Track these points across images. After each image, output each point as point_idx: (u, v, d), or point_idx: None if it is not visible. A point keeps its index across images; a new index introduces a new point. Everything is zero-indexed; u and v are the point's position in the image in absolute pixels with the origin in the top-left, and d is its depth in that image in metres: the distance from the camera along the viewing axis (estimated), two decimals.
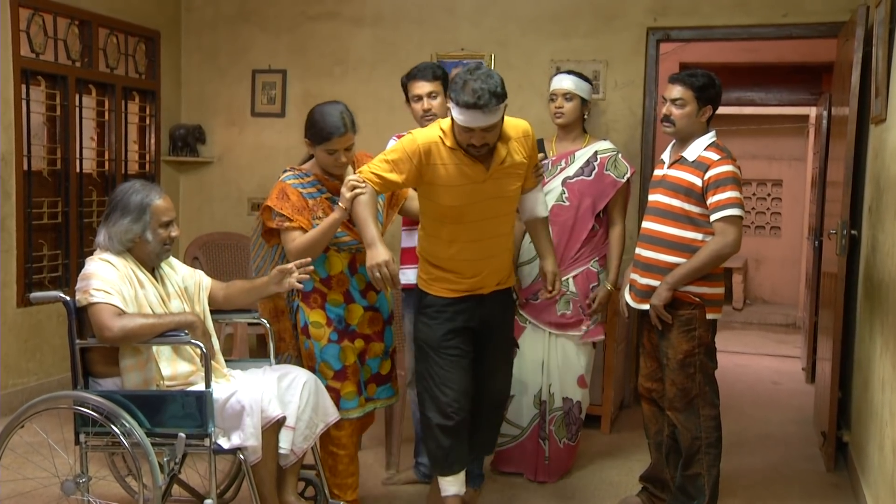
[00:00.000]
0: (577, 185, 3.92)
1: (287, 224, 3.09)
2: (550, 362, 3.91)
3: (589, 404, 4.76)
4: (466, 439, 3.24)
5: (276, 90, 5.96)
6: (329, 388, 3.20)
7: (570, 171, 3.94)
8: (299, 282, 3.09)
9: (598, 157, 3.95)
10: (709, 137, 3.36)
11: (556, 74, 4.06)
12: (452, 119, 2.97)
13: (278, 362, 3.27)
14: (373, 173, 3.01)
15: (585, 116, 4.03)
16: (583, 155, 3.96)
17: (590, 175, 3.92)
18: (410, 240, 3.64)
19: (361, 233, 2.97)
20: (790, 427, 5.10)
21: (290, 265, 3.13)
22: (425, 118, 3.53)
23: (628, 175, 3.96)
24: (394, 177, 3.02)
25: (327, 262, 3.23)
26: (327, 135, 3.06)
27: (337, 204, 3.09)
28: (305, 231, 3.09)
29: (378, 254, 2.86)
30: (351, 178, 2.99)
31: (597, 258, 3.95)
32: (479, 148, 2.97)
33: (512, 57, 5.41)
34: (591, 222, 3.91)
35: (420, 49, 5.63)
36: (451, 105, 2.92)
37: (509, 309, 3.39)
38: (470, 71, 2.92)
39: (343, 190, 3.01)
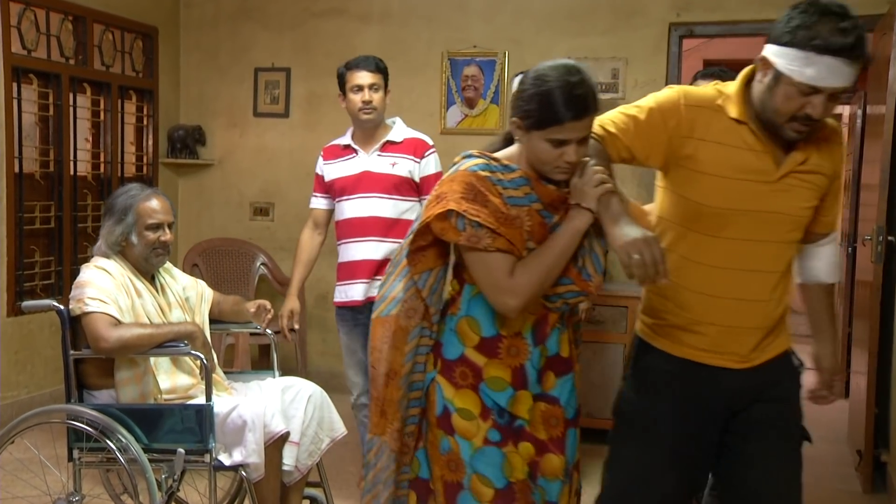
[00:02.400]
0: None
1: (489, 241, 2.02)
2: None
3: (606, 419, 4.76)
4: None
5: (280, 90, 5.97)
6: None
7: None
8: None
9: None
10: None
11: (517, 75, 4.08)
12: (769, 83, 2.05)
13: (366, 449, 2.25)
14: (604, 129, 2.14)
15: None
16: None
17: None
18: (346, 254, 3.61)
19: (603, 213, 2.03)
20: (822, 445, 5.05)
21: (267, 304, 3.18)
22: (364, 111, 3.54)
23: None
24: (636, 144, 2.15)
25: (500, 315, 2.11)
26: (557, 115, 1.99)
27: (546, 215, 2.11)
28: (516, 253, 2.04)
29: (631, 229, 1.95)
30: (594, 166, 2.05)
31: None
32: (807, 125, 2.04)
33: (526, 55, 5.41)
34: None
35: (430, 47, 5.64)
36: (783, 54, 1.99)
37: (790, 385, 2.31)
38: (808, 4, 2.01)
39: (578, 183, 2.05)
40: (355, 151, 3.61)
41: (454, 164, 2.16)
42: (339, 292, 3.62)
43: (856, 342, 5.02)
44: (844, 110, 9.06)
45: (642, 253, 1.89)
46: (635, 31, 5.26)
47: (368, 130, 3.60)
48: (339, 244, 3.64)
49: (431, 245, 2.13)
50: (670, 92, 2.17)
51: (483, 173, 2.06)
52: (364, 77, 3.56)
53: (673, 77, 5.24)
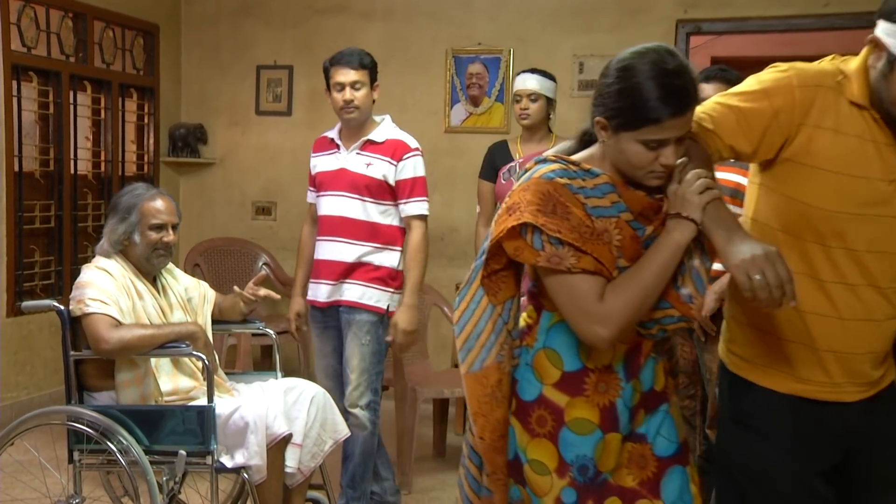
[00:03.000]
0: None
1: (572, 261, 1.72)
2: None
3: None
4: None
5: (282, 87, 5.98)
6: None
7: None
8: None
9: None
10: None
11: (519, 74, 4.09)
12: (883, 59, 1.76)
13: None
14: (699, 124, 1.83)
15: (551, 116, 4.05)
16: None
17: None
18: (318, 251, 3.59)
19: (711, 224, 1.73)
20: None
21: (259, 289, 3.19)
22: (346, 110, 3.47)
23: None
24: (739, 140, 1.84)
25: (585, 345, 1.81)
26: (653, 113, 1.70)
27: (637, 226, 1.81)
28: (605, 274, 1.75)
29: (749, 245, 1.67)
30: (694, 168, 1.77)
31: None
32: None
33: (531, 53, 5.41)
34: None
35: (433, 44, 5.64)
36: None
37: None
38: None
39: (678, 189, 1.75)
40: (338, 147, 3.56)
41: (525, 170, 1.88)
42: (311, 289, 3.60)
43: None
44: None
45: (765, 272, 1.62)
46: (642, 28, 5.25)
47: (353, 128, 3.54)
48: (317, 240, 3.61)
49: (508, 267, 1.83)
50: (777, 72, 1.86)
51: (561, 180, 1.76)
52: (346, 74, 3.45)
53: None
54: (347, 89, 3.45)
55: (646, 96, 1.69)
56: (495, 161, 4.05)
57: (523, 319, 1.92)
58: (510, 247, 1.78)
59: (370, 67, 3.51)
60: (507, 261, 1.83)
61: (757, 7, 5.09)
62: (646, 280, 1.73)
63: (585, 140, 1.91)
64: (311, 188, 3.69)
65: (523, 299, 1.92)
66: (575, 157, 1.86)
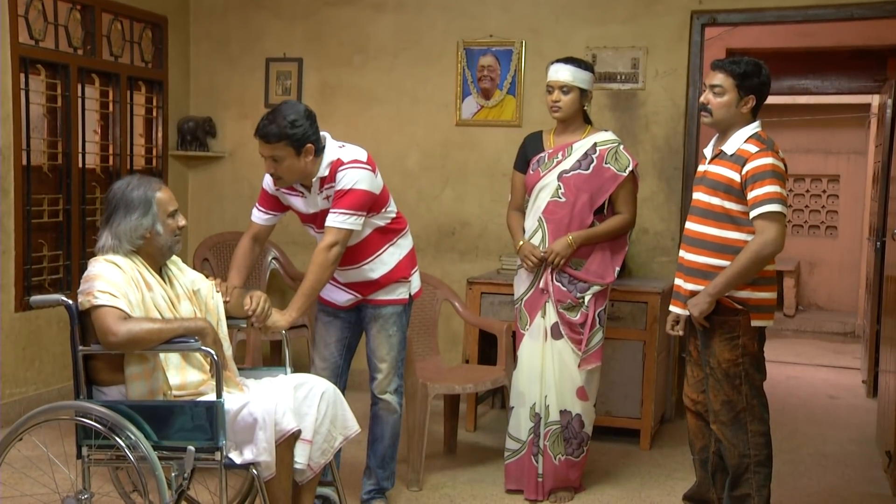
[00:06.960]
0: (573, 179, 3.87)
1: None
2: (546, 372, 3.93)
3: (626, 417, 4.75)
4: None
5: (292, 80, 5.99)
6: None
7: (567, 164, 3.89)
8: None
9: (598, 148, 3.89)
10: (751, 129, 3.34)
11: (552, 63, 3.97)
12: None
13: None
14: None
15: (586, 107, 3.97)
16: (581, 147, 3.90)
17: (587, 168, 3.87)
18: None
19: None
20: (849, 446, 5.04)
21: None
22: (273, 181, 3.48)
23: (631, 167, 3.90)
24: None
25: None
26: None
27: None
28: None
29: None
30: None
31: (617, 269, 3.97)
32: None
33: (544, 45, 5.40)
34: (589, 219, 3.88)
35: (445, 36, 5.63)
36: None
37: None
38: None
39: None
40: (301, 192, 3.51)
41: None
42: (324, 292, 3.62)
43: (884, 340, 4.99)
44: (873, 100, 9.02)
45: None
46: (656, 19, 5.24)
47: None
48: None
49: None
50: None
51: None
52: (262, 147, 3.35)
53: (695, 67, 5.21)
54: (268, 161, 3.38)
55: None
56: (528, 152, 4.02)
57: None
58: None
59: (290, 137, 3.29)
60: None
61: None
62: None
63: None
64: (264, 209, 3.62)
65: None
66: None
